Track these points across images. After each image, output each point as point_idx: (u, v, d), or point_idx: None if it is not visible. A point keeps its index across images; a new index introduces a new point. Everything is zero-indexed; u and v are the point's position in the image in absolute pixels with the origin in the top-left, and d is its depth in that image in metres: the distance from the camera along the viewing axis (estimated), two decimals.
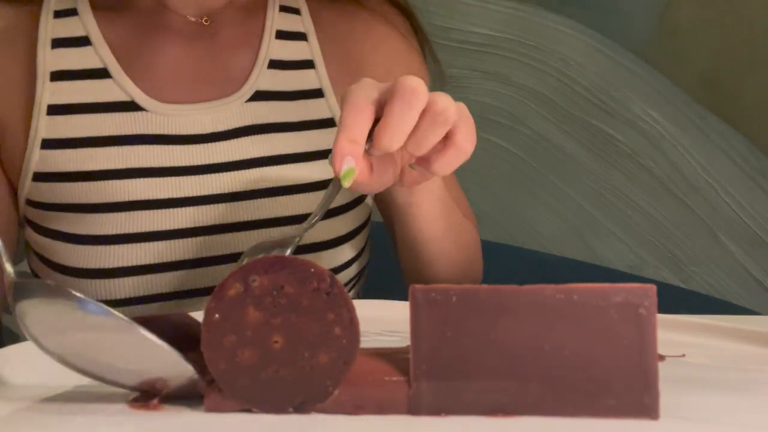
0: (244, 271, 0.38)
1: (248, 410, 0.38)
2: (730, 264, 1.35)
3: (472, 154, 0.50)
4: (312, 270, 0.38)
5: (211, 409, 0.38)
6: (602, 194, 1.39)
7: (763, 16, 1.30)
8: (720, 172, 1.34)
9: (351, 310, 0.38)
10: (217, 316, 0.38)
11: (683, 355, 0.50)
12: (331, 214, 0.71)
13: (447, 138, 0.48)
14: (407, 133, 0.46)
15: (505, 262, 1.41)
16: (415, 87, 0.46)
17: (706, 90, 1.34)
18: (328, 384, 0.38)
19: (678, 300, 1.35)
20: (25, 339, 0.46)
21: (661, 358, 0.49)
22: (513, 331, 0.36)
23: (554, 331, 0.36)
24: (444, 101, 0.47)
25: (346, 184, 0.45)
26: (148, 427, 0.36)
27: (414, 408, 0.37)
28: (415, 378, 0.37)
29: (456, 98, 0.48)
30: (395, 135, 0.46)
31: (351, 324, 0.38)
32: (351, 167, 0.44)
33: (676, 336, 0.54)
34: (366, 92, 0.47)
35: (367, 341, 0.52)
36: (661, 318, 0.56)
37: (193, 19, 0.71)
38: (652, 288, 0.36)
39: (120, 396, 0.40)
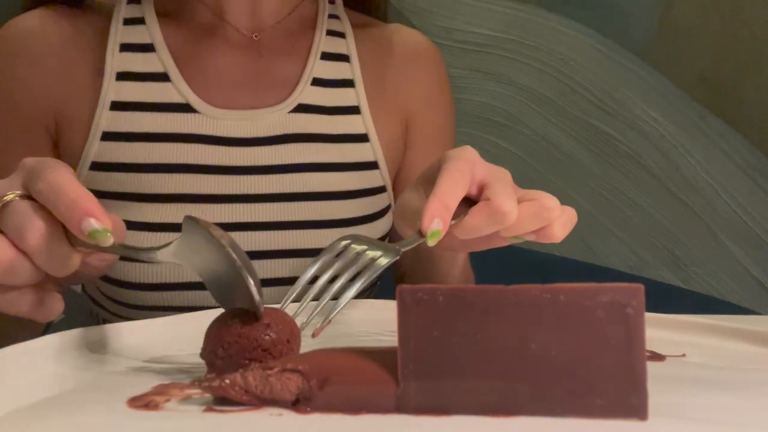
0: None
1: (244, 409, 0.38)
2: (730, 264, 1.35)
3: None
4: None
5: (207, 409, 0.38)
6: (602, 194, 1.39)
7: (763, 17, 1.30)
8: (720, 172, 1.34)
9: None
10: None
11: (683, 355, 0.50)
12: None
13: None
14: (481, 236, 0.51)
15: (505, 262, 1.41)
16: (508, 211, 0.49)
17: (706, 90, 1.34)
18: None
19: (678, 300, 1.36)
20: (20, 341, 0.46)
21: (661, 358, 0.49)
22: (500, 331, 0.36)
23: (541, 331, 0.36)
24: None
25: (431, 243, 0.47)
26: (147, 427, 0.36)
27: (402, 407, 0.37)
28: (403, 377, 0.37)
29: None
30: (471, 234, 0.50)
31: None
32: (439, 229, 0.47)
33: (676, 336, 0.54)
34: (467, 166, 0.51)
35: (367, 341, 0.52)
36: (661, 318, 0.56)
37: (245, 33, 0.77)
38: (640, 287, 0.36)
39: (120, 396, 0.40)
